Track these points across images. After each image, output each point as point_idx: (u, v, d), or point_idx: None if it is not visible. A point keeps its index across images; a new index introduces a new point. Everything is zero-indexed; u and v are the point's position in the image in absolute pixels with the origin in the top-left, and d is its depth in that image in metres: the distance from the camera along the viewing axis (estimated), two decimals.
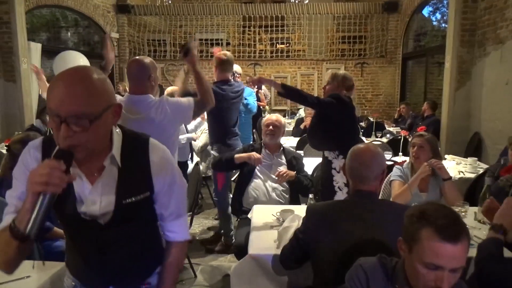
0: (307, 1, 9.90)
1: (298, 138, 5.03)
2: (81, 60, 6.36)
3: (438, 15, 8.26)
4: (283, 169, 2.89)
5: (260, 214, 2.47)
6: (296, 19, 9.36)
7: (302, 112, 6.52)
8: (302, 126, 5.55)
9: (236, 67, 4.17)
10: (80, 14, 7.90)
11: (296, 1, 10.45)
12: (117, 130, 1.20)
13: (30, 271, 1.67)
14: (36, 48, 6.21)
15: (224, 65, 3.52)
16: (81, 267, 1.30)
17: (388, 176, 2.75)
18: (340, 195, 2.72)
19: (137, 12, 8.98)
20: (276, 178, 2.85)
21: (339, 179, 2.76)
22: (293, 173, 2.87)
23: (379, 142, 5.04)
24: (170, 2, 10.25)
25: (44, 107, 5.16)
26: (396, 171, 2.71)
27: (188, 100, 2.45)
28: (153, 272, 1.36)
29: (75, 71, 1.04)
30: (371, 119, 6.77)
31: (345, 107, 2.77)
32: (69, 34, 8.67)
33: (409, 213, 1.20)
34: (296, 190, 2.99)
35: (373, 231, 1.54)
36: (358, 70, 8.96)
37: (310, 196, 2.35)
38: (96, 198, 1.16)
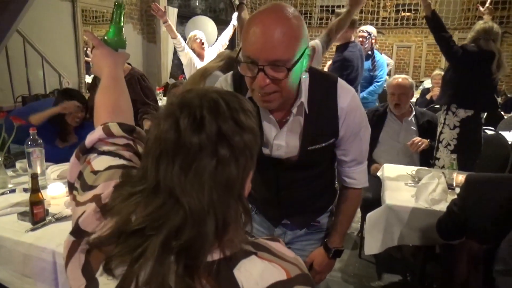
0: None
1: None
2: (209, 24, 6.78)
3: None
4: (417, 138, 2.74)
5: (391, 173, 2.45)
6: None
7: (427, 83, 6.08)
8: (428, 97, 5.18)
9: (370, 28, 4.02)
10: None
11: None
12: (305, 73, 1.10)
13: None
14: (173, 12, 6.80)
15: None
16: (258, 199, 1.33)
17: None
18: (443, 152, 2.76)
19: None
20: (408, 145, 2.73)
21: (447, 136, 2.76)
22: (426, 141, 2.72)
23: None
24: None
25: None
26: None
27: (316, 44, 2.50)
28: (324, 212, 1.35)
29: (271, 13, 0.93)
30: (509, 95, 6.01)
31: (464, 58, 2.73)
32: (197, 2, 9.27)
33: None
34: (426, 155, 2.85)
35: None
36: None
37: (453, 156, 2.23)
38: (281, 143, 1.16)
